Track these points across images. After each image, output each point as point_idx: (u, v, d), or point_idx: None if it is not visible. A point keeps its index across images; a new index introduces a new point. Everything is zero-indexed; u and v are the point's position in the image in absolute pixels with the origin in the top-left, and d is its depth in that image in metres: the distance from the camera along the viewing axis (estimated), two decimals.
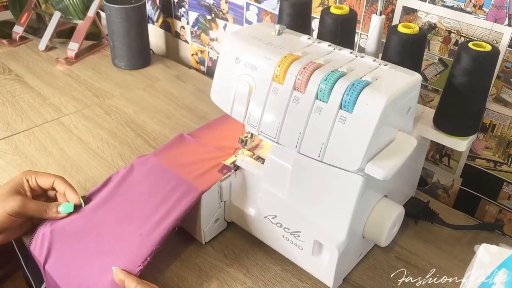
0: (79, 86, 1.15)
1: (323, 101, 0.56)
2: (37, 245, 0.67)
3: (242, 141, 0.72)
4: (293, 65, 0.58)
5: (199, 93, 1.14)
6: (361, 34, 0.89)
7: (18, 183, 0.67)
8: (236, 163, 0.72)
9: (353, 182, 0.58)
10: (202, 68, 1.30)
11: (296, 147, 0.60)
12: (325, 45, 0.64)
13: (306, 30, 0.75)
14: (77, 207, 0.69)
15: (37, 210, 0.67)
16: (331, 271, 0.64)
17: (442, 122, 0.68)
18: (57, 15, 1.30)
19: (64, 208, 0.68)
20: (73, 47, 1.24)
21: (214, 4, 1.15)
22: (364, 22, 0.87)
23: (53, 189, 0.70)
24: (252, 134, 0.72)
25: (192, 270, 0.70)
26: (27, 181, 0.68)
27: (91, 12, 1.26)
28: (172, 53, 1.38)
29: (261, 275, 0.70)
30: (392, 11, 0.83)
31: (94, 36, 1.38)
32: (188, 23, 1.26)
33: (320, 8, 0.83)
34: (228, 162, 0.73)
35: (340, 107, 0.55)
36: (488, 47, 0.62)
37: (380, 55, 0.72)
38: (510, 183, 0.80)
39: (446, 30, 0.78)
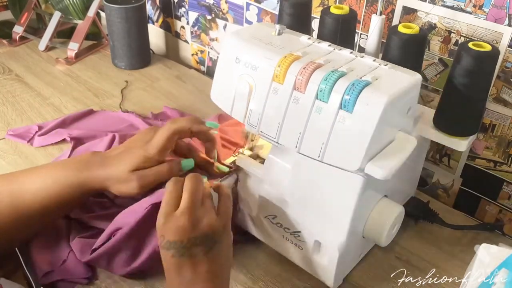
0: (79, 86, 1.15)
1: (323, 101, 0.56)
2: None
3: (244, 133, 0.72)
4: (293, 65, 0.58)
5: (199, 93, 1.14)
6: (361, 34, 0.89)
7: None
8: (236, 163, 0.72)
9: (353, 182, 0.58)
10: (202, 68, 1.30)
11: (296, 147, 0.60)
12: (325, 45, 0.64)
13: (306, 30, 0.75)
14: None
15: None
16: (331, 271, 0.64)
17: (442, 122, 0.68)
18: (57, 15, 1.30)
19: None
20: (73, 47, 1.24)
21: (214, 4, 1.15)
22: (364, 22, 0.87)
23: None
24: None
25: None
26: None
27: (91, 12, 1.26)
28: (172, 53, 1.37)
29: (261, 275, 0.70)
30: (392, 11, 0.83)
31: (94, 36, 1.38)
32: (188, 23, 1.26)
33: (320, 8, 0.83)
34: (228, 162, 0.73)
35: (340, 107, 0.55)
36: (488, 47, 0.62)
37: (380, 55, 0.72)
38: (510, 183, 0.80)
39: (446, 30, 0.78)
